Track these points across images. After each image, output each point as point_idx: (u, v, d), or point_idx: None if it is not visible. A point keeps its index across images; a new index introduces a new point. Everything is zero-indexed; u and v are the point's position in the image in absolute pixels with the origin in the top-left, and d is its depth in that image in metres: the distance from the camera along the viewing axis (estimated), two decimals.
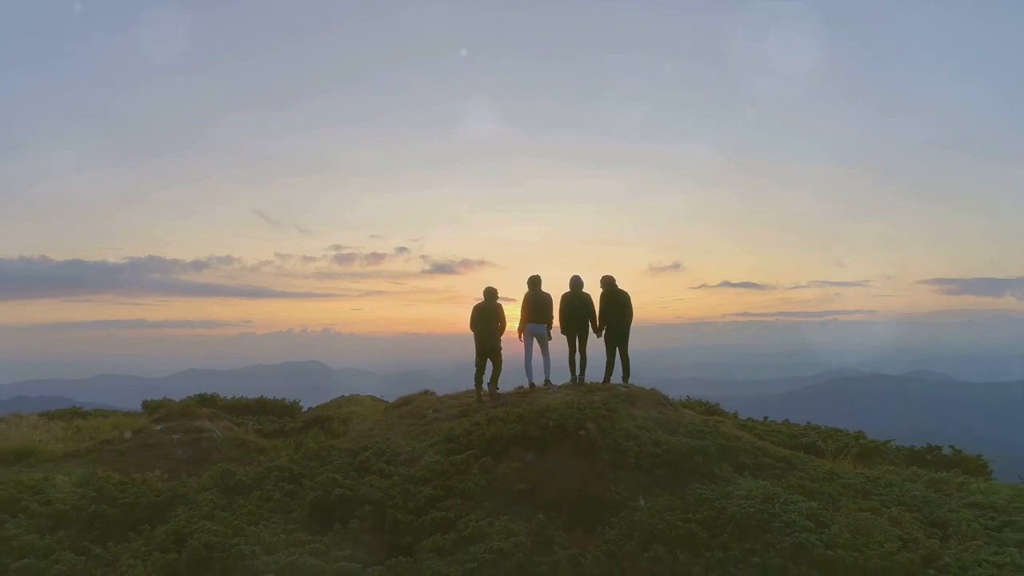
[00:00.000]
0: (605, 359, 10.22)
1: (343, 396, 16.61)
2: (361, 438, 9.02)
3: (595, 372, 10.50)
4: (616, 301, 10.17)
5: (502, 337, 10.01)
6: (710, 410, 11.68)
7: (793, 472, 7.01)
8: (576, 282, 10.28)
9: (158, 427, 9.80)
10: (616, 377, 10.21)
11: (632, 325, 10.14)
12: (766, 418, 11.62)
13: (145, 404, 13.80)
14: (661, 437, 7.15)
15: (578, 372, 10.11)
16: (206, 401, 12.96)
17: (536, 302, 10.01)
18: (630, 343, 10.27)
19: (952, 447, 9.84)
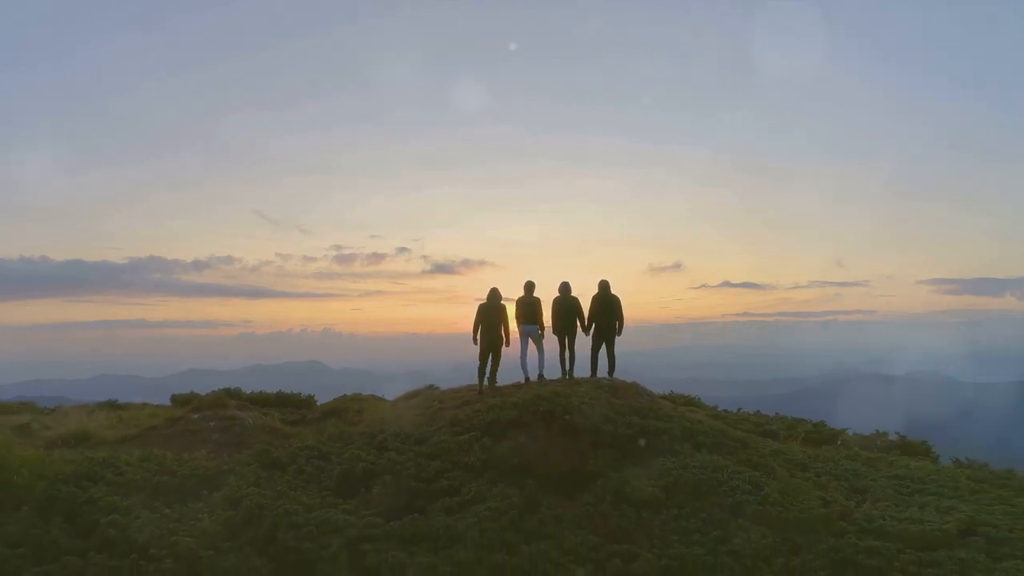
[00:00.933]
0: (591, 355, 11.46)
1: (345, 395, 17.59)
2: (376, 424, 10.28)
3: (584, 369, 11.77)
4: (608, 304, 11.40)
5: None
6: (688, 402, 12.90)
7: (745, 450, 8.26)
8: (565, 287, 11.54)
9: (196, 415, 11.04)
10: (604, 371, 11.46)
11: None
12: (739, 410, 12.86)
13: (173, 398, 15.02)
14: (634, 420, 8.42)
15: (568, 367, 11.36)
16: (231, 395, 14.17)
17: (529, 305, 11.24)
18: (618, 342, 11.49)
19: (898, 433, 11.07)
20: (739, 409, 13.01)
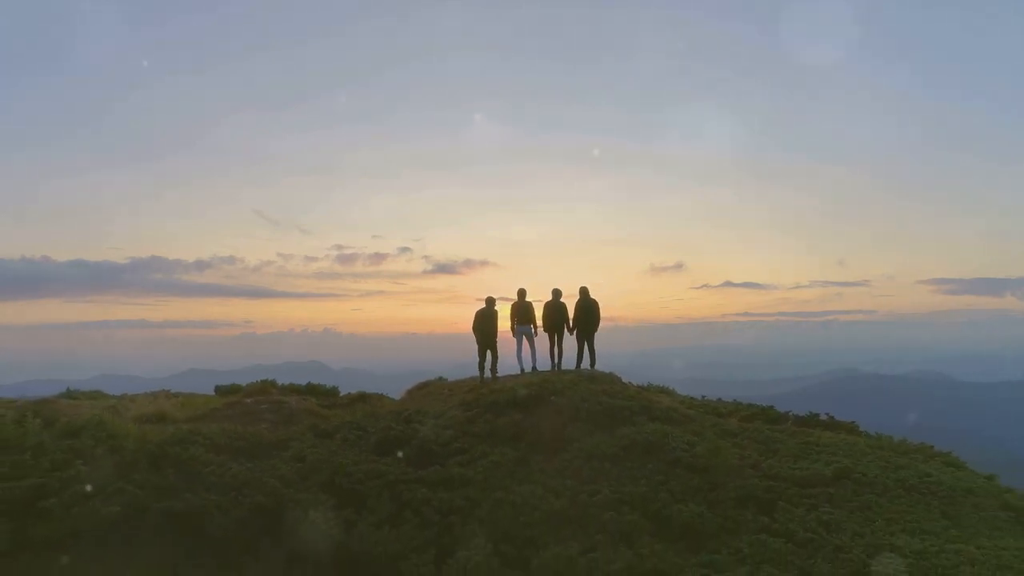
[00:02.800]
0: (578, 350, 13.79)
1: (348, 394, 19.64)
2: (399, 407, 12.60)
3: (571, 362, 14.08)
4: (587, 307, 13.73)
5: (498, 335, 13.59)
6: (661, 391, 15.19)
7: (690, 423, 10.57)
8: (556, 293, 13.87)
9: (249, 400, 13.35)
10: (587, 364, 13.77)
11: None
12: (703, 397, 15.14)
13: (217, 388, 17.31)
14: (604, 400, 10.72)
15: (556, 360, 13.69)
16: (270, 385, 16.50)
17: (523, 309, 13.60)
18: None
19: (828, 414, 13.30)
20: (703, 396, 15.30)
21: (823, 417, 12.93)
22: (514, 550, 7.42)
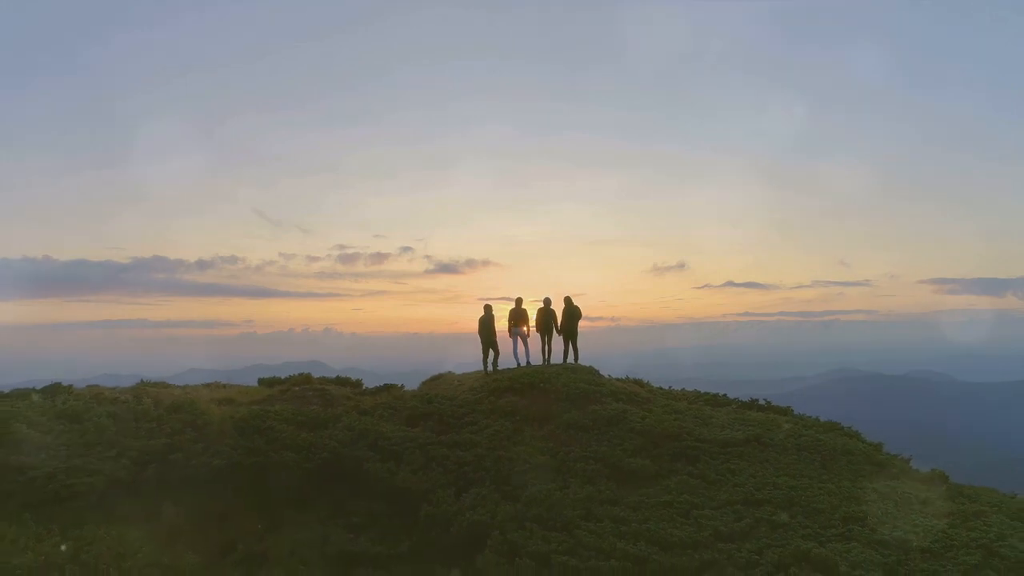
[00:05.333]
0: (563, 348, 16.91)
1: (375, 386, 22.98)
2: (419, 392, 15.70)
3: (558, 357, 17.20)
4: (571, 314, 16.84)
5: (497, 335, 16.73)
6: (637, 382, 18.28)
7: (646, 403, 13.68)
8: (546, 302, 17.01)
9: (297, 388, 16.46)
10: (571, 359, 16.86)
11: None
12: (670, 387, 18.21)
13: (260, 380, 20.39)
14: (581, 386, 13.83)
15: (546, 357, 16.81)
16: (307, 376, 19.60)
17: (519, 314, 16.72)
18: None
19: (767, 400, 16.32)
20: (670, 386, 18.38)
21: (762, 402, 15.99)
22: (510, 489, 10.50)
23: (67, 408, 11.12)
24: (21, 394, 12.18)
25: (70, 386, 13.28)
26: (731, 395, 18.57)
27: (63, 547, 7.78)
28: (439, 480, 10.67)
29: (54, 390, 12.99)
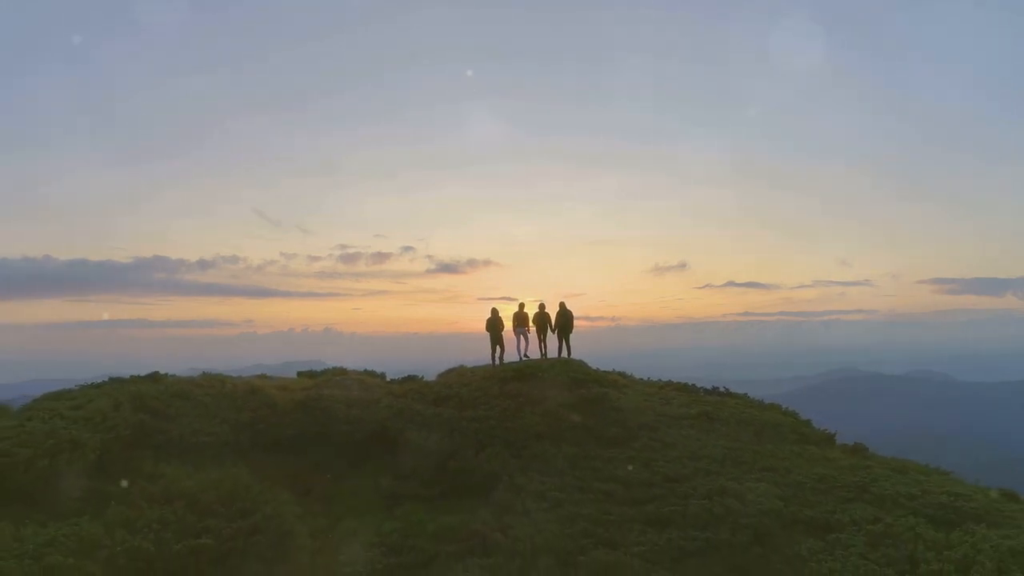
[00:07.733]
0: (557, 345, 20.35)
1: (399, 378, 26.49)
2: (440, 381, 19.12)
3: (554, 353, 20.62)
4: (564, 315, 20.26)
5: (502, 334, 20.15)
6: (619, 373, 21.66)
7: (623, 388, 17.08)
8: (542, 306, 20.46)
9: (338, 378, 19.88)
10: (564, 354, 20.28)
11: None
12: (658, 379, 21.57)
13: (299, 373, 23.78)
14: (571, 375, 17.26)
15: (543, 352, 20.26)
16: (342, 370, 23.01)
17: (520, 316, 20.16)
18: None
19: (725, 388, 19.67)
20: (658, 378, 21.77)
21: (722, 390, 19.39)
22: (516, 449, 13.90)
23: (179, 388, 14.56)
24: (141, 380, 15.60)
25: (167, 374, 16.70)
26: None
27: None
28: (461, 443, 14.08)
29: (154, 378, 16.44)
